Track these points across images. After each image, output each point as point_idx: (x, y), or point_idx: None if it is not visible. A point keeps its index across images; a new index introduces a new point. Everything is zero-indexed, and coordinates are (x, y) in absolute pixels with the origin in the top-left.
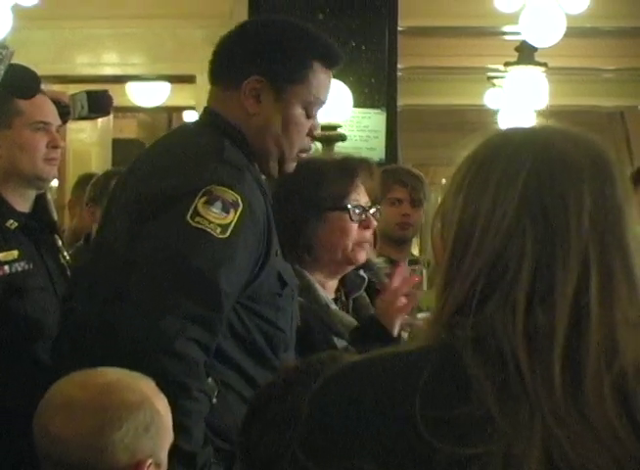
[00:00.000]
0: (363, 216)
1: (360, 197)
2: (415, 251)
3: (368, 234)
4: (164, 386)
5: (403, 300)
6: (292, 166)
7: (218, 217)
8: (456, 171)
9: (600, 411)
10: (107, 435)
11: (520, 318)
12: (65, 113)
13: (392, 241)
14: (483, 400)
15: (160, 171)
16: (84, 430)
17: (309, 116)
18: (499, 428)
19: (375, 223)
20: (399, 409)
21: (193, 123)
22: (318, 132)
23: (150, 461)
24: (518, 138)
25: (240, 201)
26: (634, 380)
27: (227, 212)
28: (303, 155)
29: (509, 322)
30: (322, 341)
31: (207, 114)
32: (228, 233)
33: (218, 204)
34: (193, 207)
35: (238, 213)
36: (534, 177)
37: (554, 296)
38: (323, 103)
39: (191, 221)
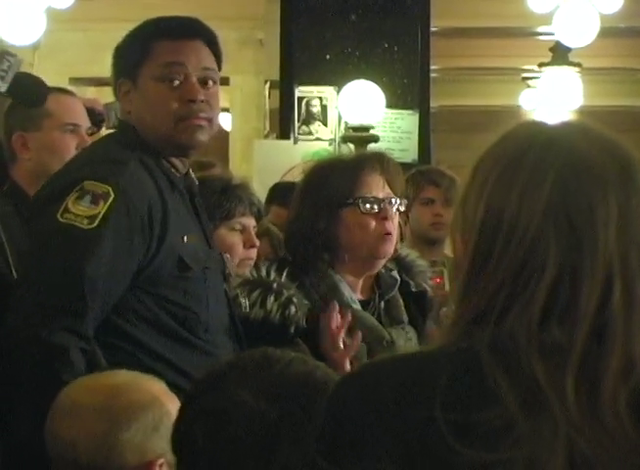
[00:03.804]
0: (377, 208)
1: (373, 189)
2: (448, 251)
3: (388, 225)
4: (36, 374)
5: (342, 343)
6: (191, 137)
7: (86, 210)
8: (477, 169)
9: (616, 422)
10: (115, 436)
11: (534, 332)
12: (99, 120)
13: (426, 241)
14: (506, 406)
15: (51, 177)
16: (93, 432)
17: (173, 84)
18: (522, 434)
19: (392, 213)
20: (420, 411)
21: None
22: (196, 96)
23: (161, 461)
24: (542, 141)
25: (111, 191)
26: None
27: (96, 204)
28: (202, 122)
29: (525, 335)
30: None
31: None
32: (96, 222)
33: (87, 197)
34: (64, 205)
35: (108, 203)
36: (559, 187)
37: (576, 309)
38: (181, 64)
39: (60, 218)
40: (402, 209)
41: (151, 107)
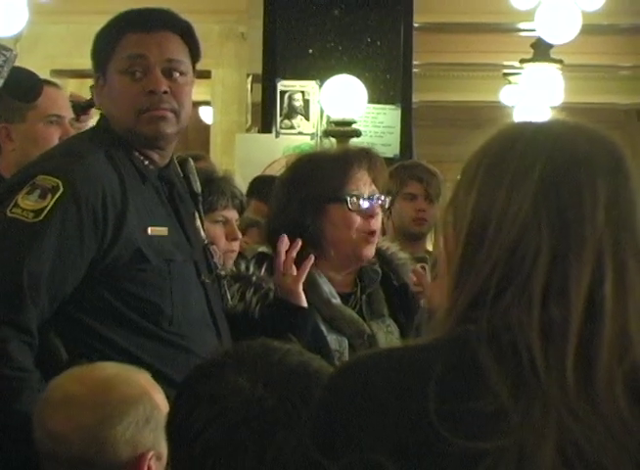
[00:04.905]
0: (364, 206)
1: (361, 186)
2: (430, 247)
3: (373, 223)
4: None
5: (294, 270)
6: (154, 128)
7: (33, 204)
8: (467, 165)
9: (611, 405)
10: (107, 430)
11: (535, 312)
12: (85, 107)
13: (408, 237)
14: (497, 395)
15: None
16: (85, 426)
17: (135, 77)
18: (513, 423)
19: (378, 211)
20: (412, 402)
21: None
22: (157, 87)
23: (151, 453)
24: (530, 132)
25: (60, 185)
26: None
27: (44, 198)
28: (165, 113)
29: (524, 316)
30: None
31: None
32: (42, 216)
33: (37, 192)
34: (15, 200)
35: (56, 197)
36: (550, 171)
37: (569, 289)
38: (142, 56)
39: (8, 213)
40: (386, 206)
41: (116, 100)
